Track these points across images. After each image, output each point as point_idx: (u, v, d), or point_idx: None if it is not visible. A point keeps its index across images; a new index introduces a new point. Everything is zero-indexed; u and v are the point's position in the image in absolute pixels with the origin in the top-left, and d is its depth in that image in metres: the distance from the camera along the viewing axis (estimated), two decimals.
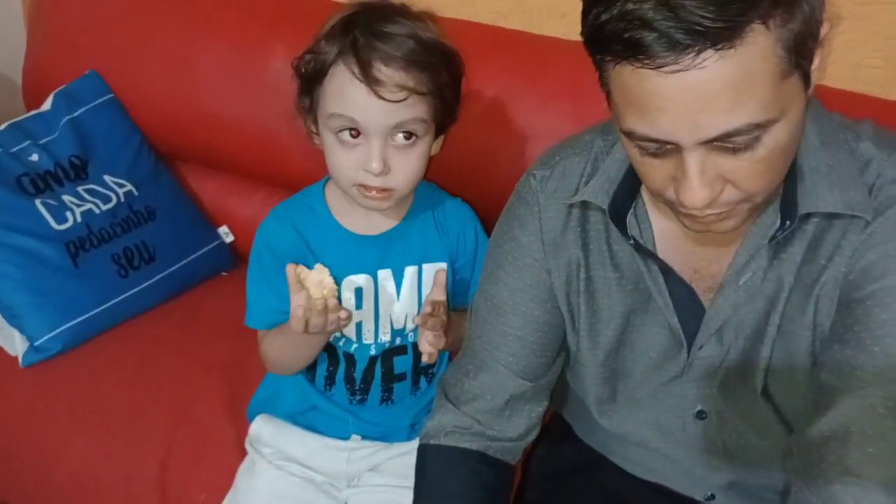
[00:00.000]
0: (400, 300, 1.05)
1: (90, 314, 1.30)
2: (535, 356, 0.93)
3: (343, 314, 0.91)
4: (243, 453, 1.12)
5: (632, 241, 0.83)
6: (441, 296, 1.00)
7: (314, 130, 0.98)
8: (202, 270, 1.49)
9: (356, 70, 0.88)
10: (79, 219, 1.33)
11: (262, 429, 1.11)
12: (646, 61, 0.63)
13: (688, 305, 0.85)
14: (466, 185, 1.20)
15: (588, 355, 0.92)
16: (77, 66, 1.52)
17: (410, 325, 1.06)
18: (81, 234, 1.32)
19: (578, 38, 1.45)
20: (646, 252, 0.84)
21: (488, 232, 1.10)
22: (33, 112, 1.47)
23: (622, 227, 0.83)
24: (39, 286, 1.28)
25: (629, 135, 0.69)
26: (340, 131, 0.92)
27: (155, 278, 1.39)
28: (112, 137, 1.46)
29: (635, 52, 0.63)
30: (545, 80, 1.31)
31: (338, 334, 1.05)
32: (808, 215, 0.77)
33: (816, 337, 0.80)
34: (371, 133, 0.91)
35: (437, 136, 0.99)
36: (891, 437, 0.72)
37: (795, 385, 0.81)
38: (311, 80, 0.94)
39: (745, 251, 0.80)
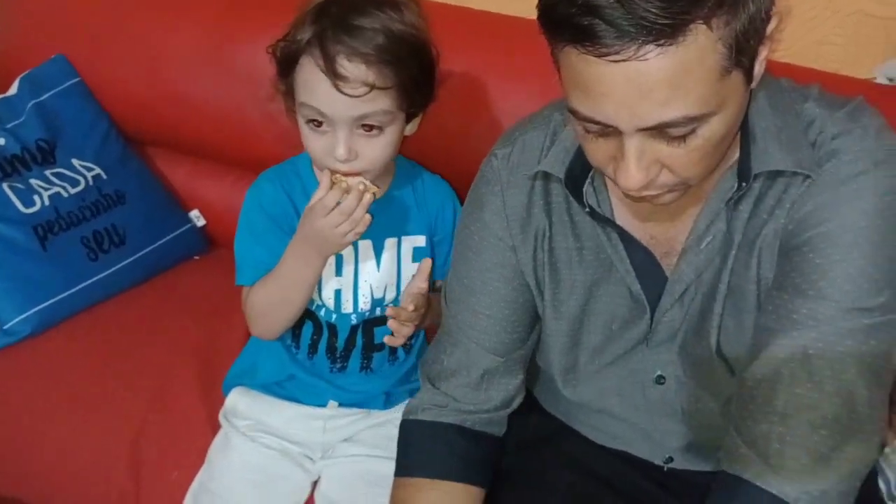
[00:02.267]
0: (380, 270, 1.08)
1: (60, 297, 1.30)
2: (505, 333, 0.95)
3: (367, 218, 0.94)
4: (216, 431, 1.14)
5: (588, 210, 0.85)
6: (424, 283, 1.03)
7: (294, 110, 1.01)
8: (173, 254, 1.49)
9: (321, 63, 0.91)
10: (47, 202, 1.33)
11: (239, 401, 1.12)
12: (590, 48, 0.64)
13: (649, 271, 0.87)
14: (439, 161, 1.21)
15: (553, 325, 0.94)
16: (43, 50, 1.51)
17: (390, 296, 1.09)
18: (50, 218, 1.32)
19: None
20: (604, 220, 0.86)
21: None
22: None
23: (579, 197, 0.85)
24: (7, 269, 1.27)
25: (574, 113, 0.71)
26: (309, 120, 0.95)
27: (125, 262, 1.39)
28: (79, 121, 1.46)
29: (582, 38, 0.64)
30: (512, 59, 1.32)
31: (318, 302, 1.07)
32: (758, 175, 0.79)
33: (761, 291, 0.82)
34: (336, 123, 0.93)
35: (411, 118, 1.02)
36: (820, 377, 0.74)
37: (745, 341, 0.83)
38: (284, 65, 0.97)
39: (706, 216, 0.82)
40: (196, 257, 1.55)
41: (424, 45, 0.98)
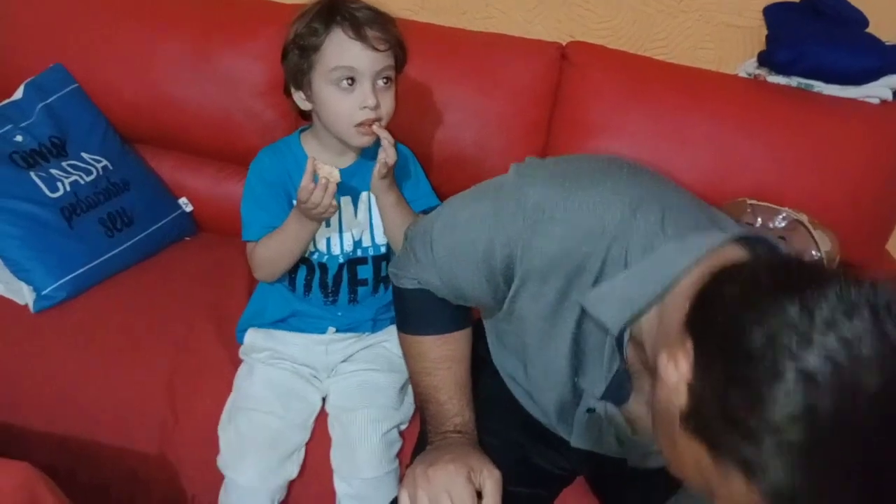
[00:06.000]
0: (358, 218, 1.34)
1: (87, 267, 1.49)
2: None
3: (333, 203, 1.19)
4: (237, 367, 1.36)
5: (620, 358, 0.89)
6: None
7: (303, 94, 1.24)
8: (170, 235, 1.70)
9: (351, 33, 1.17)
10: (68, 188, 1.52)
11: (255, 338, 1.36)
12: None
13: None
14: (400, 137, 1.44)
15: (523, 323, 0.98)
16: (41, 59, 1.67)
17: (366, 238, 1.35)
18: (72, 201, 1.51)
19: (478, 29, 1.79)
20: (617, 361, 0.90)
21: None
22: (7, 101, 1.61)
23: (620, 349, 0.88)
24: (42, 244, 1.46)
25: None
26: (340, 81, 1.19)
27: (134, 239, 1.59)
28: (82, 121, 1.64)
29: None
30: (453, 63, 1.60)
31: (312, 248, 1.32)
32: None
33: None
34: (364, 77, 1.19)
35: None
36: None
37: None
38: (308, 48, 1.20)
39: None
40: (187, 238, 1.75)
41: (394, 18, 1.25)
